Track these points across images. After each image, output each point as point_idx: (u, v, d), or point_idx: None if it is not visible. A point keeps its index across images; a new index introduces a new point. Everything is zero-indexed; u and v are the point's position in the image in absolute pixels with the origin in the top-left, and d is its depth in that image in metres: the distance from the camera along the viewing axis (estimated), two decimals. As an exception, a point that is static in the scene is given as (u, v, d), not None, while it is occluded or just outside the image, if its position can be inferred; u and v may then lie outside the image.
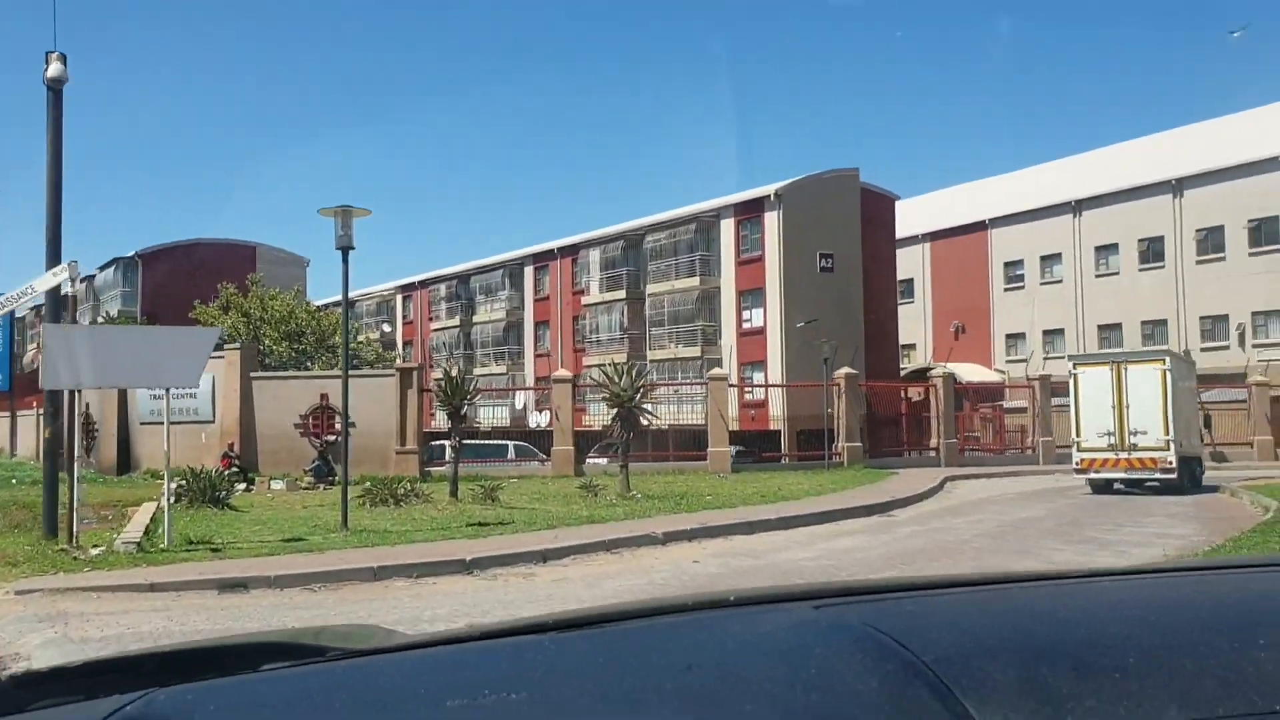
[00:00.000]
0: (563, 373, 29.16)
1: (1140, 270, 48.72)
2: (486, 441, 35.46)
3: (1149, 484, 22.85)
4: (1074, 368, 24.57)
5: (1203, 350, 44.38)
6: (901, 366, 48.79)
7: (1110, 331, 50.17)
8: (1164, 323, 47.43)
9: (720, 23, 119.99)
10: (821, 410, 29.97)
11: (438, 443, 35.55)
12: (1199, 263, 46.02)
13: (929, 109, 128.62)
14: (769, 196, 41.63)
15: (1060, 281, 52.91)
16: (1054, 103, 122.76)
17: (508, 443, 33.98)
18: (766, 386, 38.23)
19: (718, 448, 28.53)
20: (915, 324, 58.65)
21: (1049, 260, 53.77)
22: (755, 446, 36.68)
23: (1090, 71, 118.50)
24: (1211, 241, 45.60)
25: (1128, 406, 22.82)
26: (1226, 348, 44.28)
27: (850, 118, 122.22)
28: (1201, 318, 45.87)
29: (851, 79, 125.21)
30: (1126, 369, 23.30)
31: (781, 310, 41.00)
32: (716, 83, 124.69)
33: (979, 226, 57.52)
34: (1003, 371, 53.57)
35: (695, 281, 44.67)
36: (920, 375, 43.69)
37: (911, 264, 61.02)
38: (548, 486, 22.19)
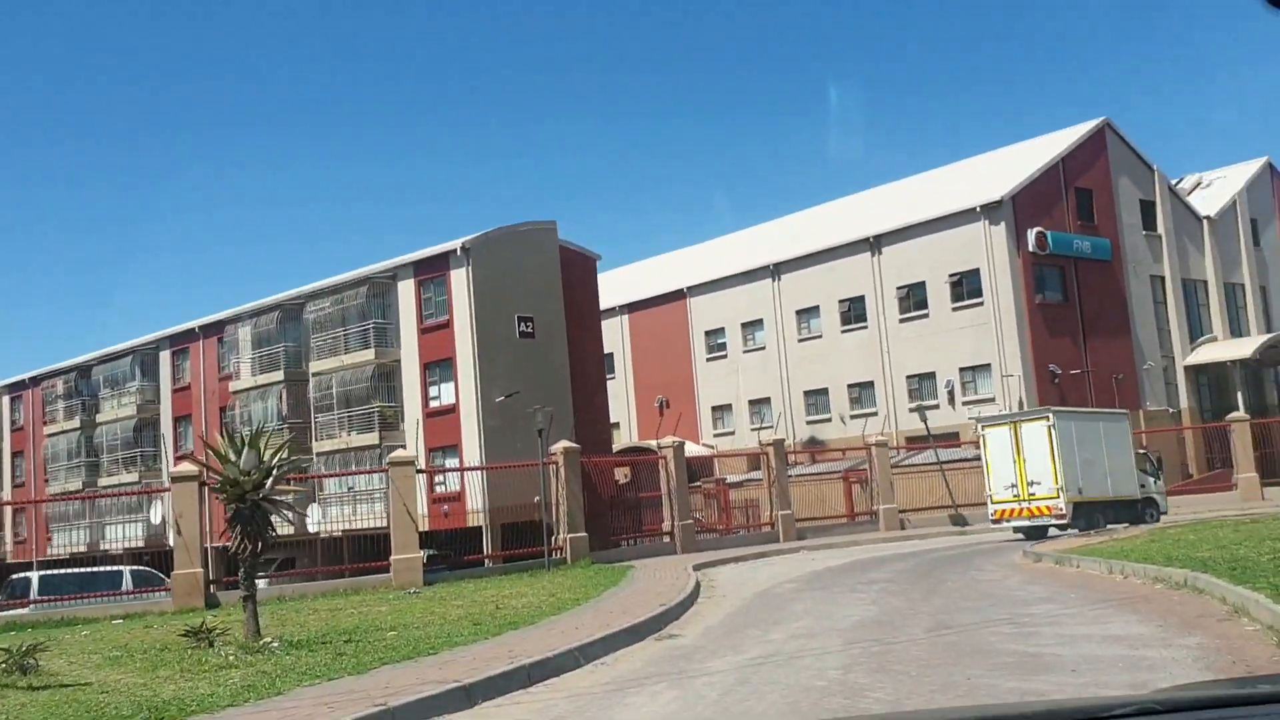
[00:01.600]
0: (185, 467, 21.46)
1: (843, 332, 46.80)
2: (92, 570, 26.95)
3: (1051, 528, 25.27)
4: (981, 429, 27.41)
5: (911, 410, 42.55)
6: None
7: (816, 397, 47.85)
8: (870, 384, 45.53)
9: (407, 74, 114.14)
10: (534, 497, 23.99)
11: (20, 576, 26.64)
12: (902, 321, 44.51)
13: (629, 178, 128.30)
14: (455, 251, 35.68)
15: (763, 348, 50.31)
16: (752, 172, 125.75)
17: (123, 569, 25.68)
18: (463, 470, 31.85)
19: (404, 554, 21.82)
20: (618, 401, 54.24)
21: (750, 327, 51.16)
22: (451, 549, 30.14)
23: (787, 140, 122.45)
24: (914, 298, 44.26)
25: (1025, 460, 25.49)
26: (937, 406, 42.64)
27: (548, 183, 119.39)
28: (909, 376, 44.22)
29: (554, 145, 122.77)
30: (1021, 427, 25.93)
31: (476, 383, 34.92)
32: (382, 135, 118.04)
33: (677, 295, 54.32)
34: (711, 446, 50.05)
35: (369, 355, 37.75)
36: (636, 454, 38.79)
37: (612, 338, 56.86)
38: (150, 632, 14.72)
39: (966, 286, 42.55)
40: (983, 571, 17.07)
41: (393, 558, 21.93)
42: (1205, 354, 47.19)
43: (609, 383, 54.85)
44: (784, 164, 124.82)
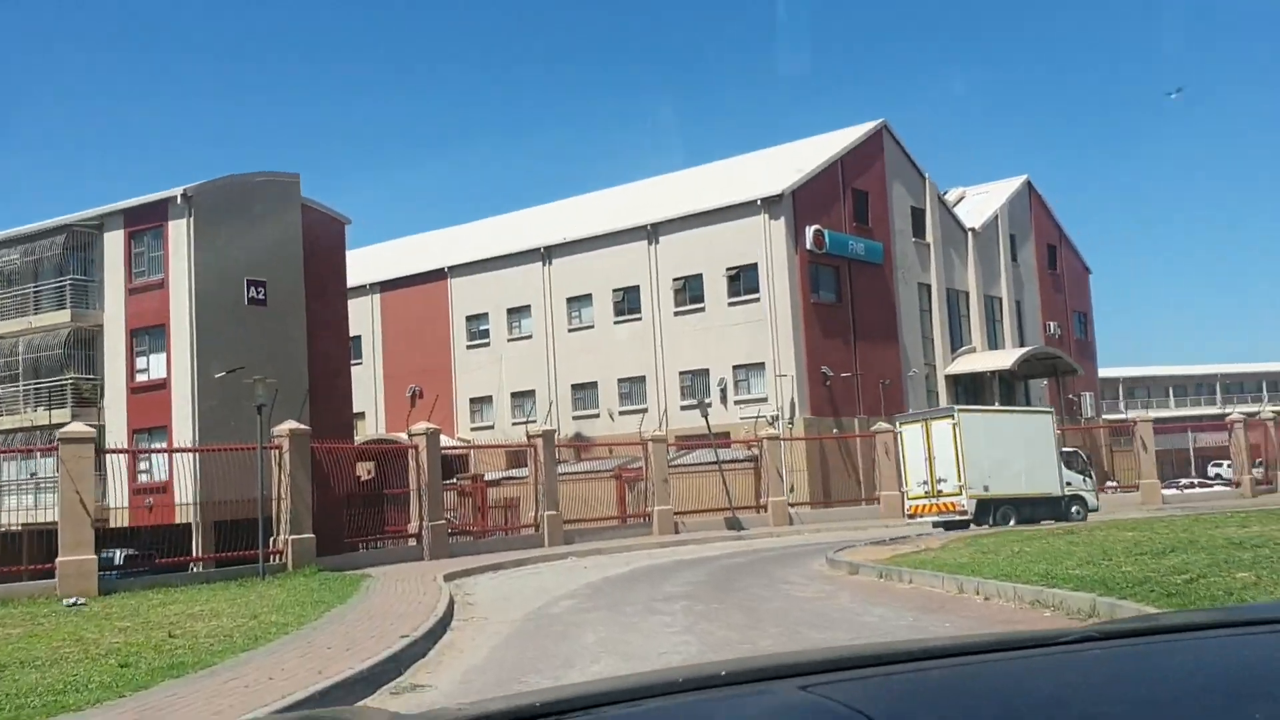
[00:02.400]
0: None
1: (616, 323, 44.18)
2: None
3: (955, 524, 25.08)
4: (898, 425, 28.42)
5: (684, 408, 40.38)
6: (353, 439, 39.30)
7: (585, 391, 44.99)
8: (642, 380, 43.09)
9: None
10: (256, 490, 19.66)
11: None
12: (677, 314, 42.32)
13: (389, 153, 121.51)
14: (174, 199, 30.31)
15: (530, 337, 47.00)
16: (527, 156, 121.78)
17: None
18: (170, 452, 26.72)
19: (75, 555, 17.11)
20: (364, 388, 49.51)
21: (517, 313, 47.75)
22: (155, 549, 25.15)
23: (568, 125, 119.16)
24: (690, 291, 42.14)
25: (934, 458, 26.20)
26: (710, 405, 40.61)
27: (292, 141, 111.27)
28: (682, 372, 42.06)
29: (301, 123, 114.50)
30: (932, 425, 26.68)
31: (193, 355, 29.72)
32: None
33: (438, 275, 50.18)
34: (467, 441, 46.25)
35: (64, 316, 31.69)
36: (383, 446, 34.55)
37: (360, 318, 51.99)
38: None
39: (744, 281, 40.80)
40: (793, 585, 14.40)
41: (59, 559, 17.19)
42: (966, 364, 47.61)
43: (355, 369, 50.21)
44: (565, 152, 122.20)
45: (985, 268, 50.82)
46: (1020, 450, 26.55)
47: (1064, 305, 57.64)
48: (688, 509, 30.13)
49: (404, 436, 28.43)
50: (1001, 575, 11.52)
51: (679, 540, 27.17)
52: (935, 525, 25.66)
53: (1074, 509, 27.38)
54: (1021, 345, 51.15)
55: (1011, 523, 25.54)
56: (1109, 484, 46.98)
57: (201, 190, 30.85)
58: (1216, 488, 39.89)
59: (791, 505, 31.79)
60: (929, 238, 47.46)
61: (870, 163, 44.69)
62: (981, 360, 47.78)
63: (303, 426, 20.94)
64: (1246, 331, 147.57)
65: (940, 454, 25.75)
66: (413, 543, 23.39)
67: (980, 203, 53.72)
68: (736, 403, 40.02)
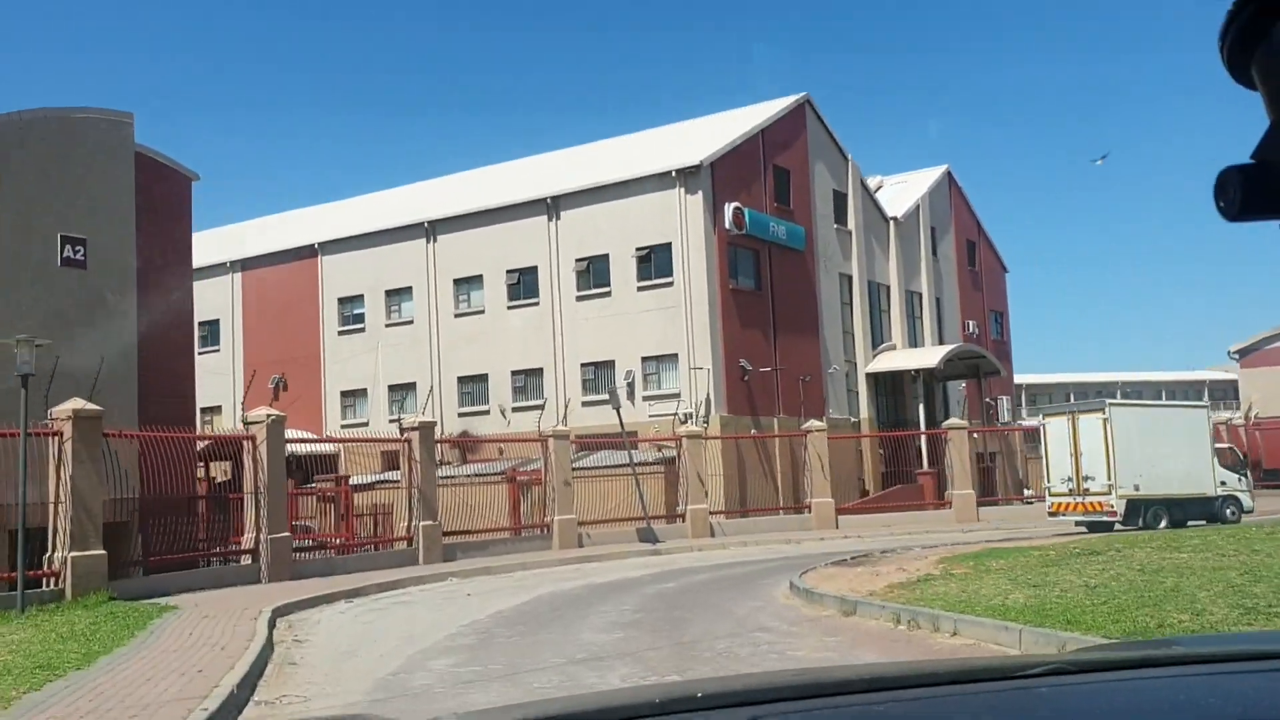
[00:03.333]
0: None
1: (510, 307, 39.38)
2: None
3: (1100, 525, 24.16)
4: (1043, 419, 27.41)
5: (585, 405, 35.85)
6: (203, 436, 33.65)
7: (473, 384, 40.09)
8: (539, 372, 38.39)
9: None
10: (15, 491, 14.42)
11: None
12: (580, 298, 37.75)
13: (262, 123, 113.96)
14: (-35, 132, 24.50)
15: (411, 322, 41.87)
16: (418, 132, 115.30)
17: None
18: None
19: None
20: (222, 380, 43.79)
21: (396, 296, 42.56)
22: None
23: (461, 95, 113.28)
24: (595, 273, 37.62)
25: (1081, 454, 24.93)
26: (620, 398, 36.19)
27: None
28: (584, 365, 37.51)
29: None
30: (1079, 419, 25.60)
31: (-16, 325, 23.97)
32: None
33: (307, 252, 44.64)
34: (338, 439, 40.86)
35: None
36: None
37: (219, 301, 46.21)
38: None
39: (656, 263, 36.46)
40: (773, 634, 10.07)
41: None
42: (888, 361, 44.15)
43: (212, 356, 44.35)
44: (460, 121, 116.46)
45: (906, 260, 47.56)
46: (1173, 447, 25.28)
47: (982, 304, 54.92)
48: (593, 518, 25.64)
49: (266, 413, 23.19)
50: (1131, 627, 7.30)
51: (584, 556, 22.64)
52: (1078, 525, 24.79)
53: (1228, 510, 25.98)
54: (941, 344, 48.06)
55: (1163, 524, 24.28)
56: (1026, 493, 44.21)
57: (7, 123, 25.09)
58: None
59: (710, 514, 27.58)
60: (851, 224, 43.91)
61: (792, 139, 40.87)
62: (906, 358, 44.41)
63: (92, 407, 15.70)
64: (1144, 340, 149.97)
65: (1088, 449, 24.66)
66: (248, 560, 18.35)
67: (898, 192, 50.47)
68: (646, 399, 35.63)
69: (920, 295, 48.66)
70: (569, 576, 18.53)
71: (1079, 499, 24.86)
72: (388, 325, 42.52)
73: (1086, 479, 24.73)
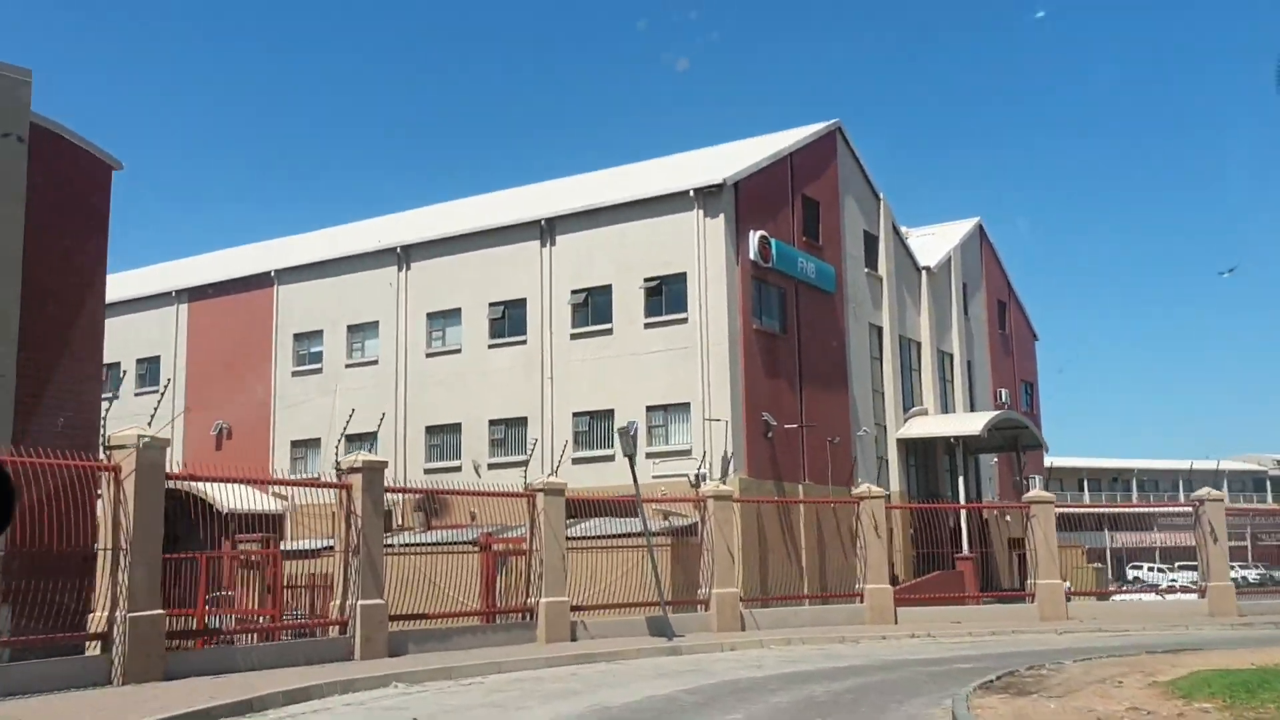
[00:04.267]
0: None
1: (492, 346, 33.75)
2: None
3: None
4: None
5: (576, 462, 30.03)
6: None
7: (444, 435, 34.26)
8: (523, 422, 32.62)
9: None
10: None
11: None
12: (576, 336, 32.19)
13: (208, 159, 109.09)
14: None
15: (375, 362, 36.15)
16: (407, 161, 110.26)
17: None
18: None
19: None
20: (159, 425, 37.57)
21: (360, 331, 36.88)
22: None
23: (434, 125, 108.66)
24: (594, 306, 32.12)
25: None
26: (612, 458, 30.49)
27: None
28: (577, 414, 31.80)
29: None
30: None
31: None
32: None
33: (262, 281, 38.99)
34: (284, 496, 34.84)
35: None
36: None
37: (160, 336, 40.46)
38: None
39: (667, 296, 30.99)
40: None
41: None
42: (921, 427, 38.62)
43: (148, 397, 38.38)
44: (455, 156, 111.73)
45: (939, 316, 42.37)
46: None
47: (1013, 371, 49.71)
48: (590, 603, 19.72)
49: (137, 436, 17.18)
50: None
51: (580, 654, 16.73)
52: None
53: None
54: (972, 410, 42.74)
55: None
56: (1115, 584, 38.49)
57: None
58: (1179, 595, 29.93)
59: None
60: (882, 270, 38.73)
61: (822, 168, 35.78)
62: (943, 424, 38.94)
63: None
64: (1159, 429, 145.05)
65: None
66: (96, 651, 12.41)
67: (925, 244, 45.37)
68: (650, 456, 29.88)
69: (952, 356, 43.42)
70: (565, 691, 12.65)
71: None
72: (349, 365, 36.77)
73: None
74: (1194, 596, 24.53)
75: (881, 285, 38.57)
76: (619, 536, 22.12)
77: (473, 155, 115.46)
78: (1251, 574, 61.35)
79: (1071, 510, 47.36)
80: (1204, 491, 24.15)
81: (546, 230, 33.04)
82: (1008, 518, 46.46)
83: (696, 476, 28.14)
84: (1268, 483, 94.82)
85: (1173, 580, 43.05)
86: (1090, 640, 19.52)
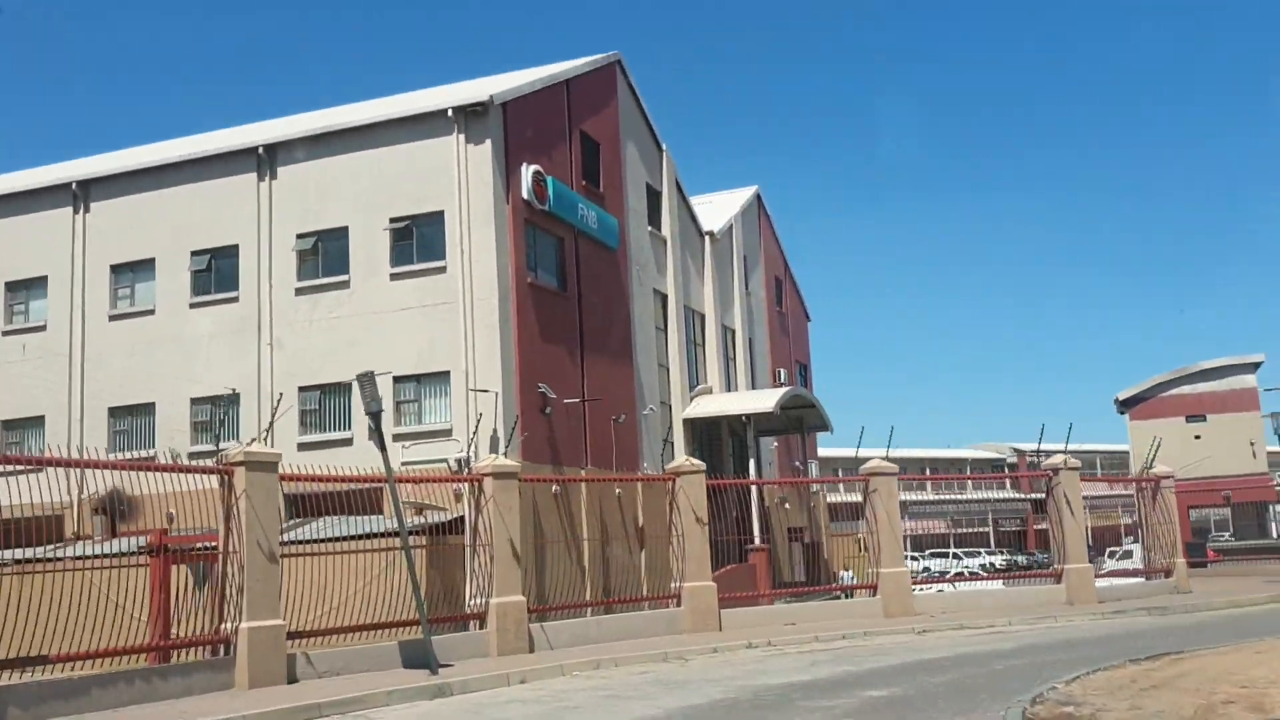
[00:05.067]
0: None
1: (195, 305, 26.86)
2: None
3: None
4: None
5: (303, 447, 23.80)
6: None
7: (132, 417, 27.07)
8: (235, 399, 25.94)
9: None
10: None
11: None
12: (303, 291, 25.88)
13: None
14: None
15: (43, 328, 28.37)
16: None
17: None
18: None
19: None
20: None
21: (24, 290, 29.00)
22: None
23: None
24: (327, 254, 25.92)
25: None
26: (349, 442, 24.45)
27: None
28: (305, 388, 25.49)
29: None
30: None
31: None
32: None
33: (-114, 226, 30.10)
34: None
35: None
36: None
37: None
38: None
39: (420, 240, 25.21)
40: None
41: None
42: (710, 405, 34.54)
43: None
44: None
45: (722, 288, 38.58)
46: None
47: (789, 352, 46.86)
48: (315, 627, 13.84)
49: None
50: None
51: (299, 705, 10.95)
52: None
53: None
54: (754, 391, 39.25)
55: None
56: (843, 576, 35.73)
57: None
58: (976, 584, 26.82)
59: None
60: (666, 230, 34.39)
61: (602, 104, 30.98)
62: (734, 402, 35.00)
63: None
64: (909, 418, 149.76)
65: None
66: None
67: (705, 215, 41.63)
68: (400, 438, 24.02)
69: (734, 332, 39.75)
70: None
71: None
72: (7, 332, 28.74)
73: None
74: (1050, 583, 21.17)
75: (666, 248, 34.21)
76: (360, 538, 16.32)
77: (190, 96, 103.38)
78: (999, 559, 61.83)
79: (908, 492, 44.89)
80: (1058, 459, 20.91)
81: (265, 160, 26.50)
82: (786, 505, 43.45)
83: (459, 461, 22.60)
84: (1005, 469, 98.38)
85: (964, 568, 41.34)
86: (975, 643, 15.50)
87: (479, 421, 22.99)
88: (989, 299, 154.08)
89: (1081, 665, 11.35)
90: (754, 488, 32.29)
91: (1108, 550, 44.31)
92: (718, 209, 41.65)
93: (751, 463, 34.47)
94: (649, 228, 33.10)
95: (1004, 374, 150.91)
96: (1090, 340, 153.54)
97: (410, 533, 17.10)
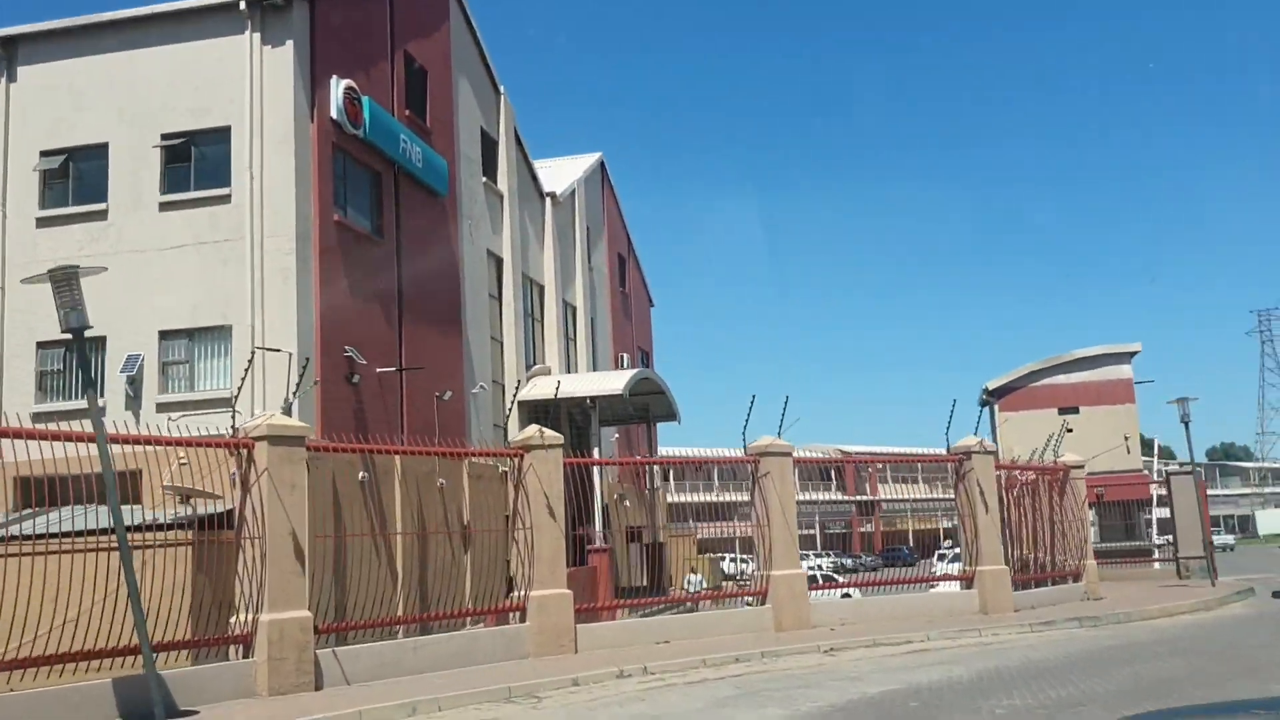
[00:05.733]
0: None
1: (-100, 237, 20.98)
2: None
3: None
4: None
5: (40, 417, 18.45)
6: None
7: None
8: (-50, 359, 20.25)
9: None
10: None
11: None
12: (46, 223, 20.48)
13: None
14: None
15: None
16: None
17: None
18: None
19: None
20: None
21: None
22: None
23: None
24: (80, 178, 20.59)
25: None
26: (102, 410, 19.17)
27: None
28: (43, 344, 20.10)
29: None
30: None
31: None
32: None
33: None
34: None
35: None
36: None
37: None
38: None
39: (200, 161, 20.18)
40: None
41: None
42: (551, 387, 30.41)
43: None
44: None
45: (563, 259, 34.59)
46: None
47: (631, 337, 43.26)
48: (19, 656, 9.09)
49: None
50: None
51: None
52: None
53: None
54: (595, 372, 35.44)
55: None
56: (690, 579, 32.49)
57: None
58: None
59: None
60: (503, 185, 30.13)
61: (432, 27, 26.48)
62: (579, 383, 30.95)
63: None
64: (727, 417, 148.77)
65: None
66: None
67: (546, 178, 37.59)
68: (165, 408, 18.96)
69: (575, 310, 35.82)
70: None
71: None
72: None
73: None
74: (955, 586, 17.98)
75: (502, 205, 29.94)
76: (89, 534, 11.52)
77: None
78: (825, 562, 60.07)
79: (735, 493, 41.87)
80: (970, 440, 17.76)
81: (2, 57, 20.90)
82: (627, 502, 39.82)
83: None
84: (832, 472, 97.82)
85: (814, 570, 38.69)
86: (912, 668, 11.96)
87: (265, 390, 18.22)
88: (840, 295, 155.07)
89: (1122, 705, 7.88)
90: (596, 477, 28.31)
91: (937, 552, 42.61)
92: (558, 174, 37.58)
93: (596, 454, 30.52)
94: (484, 178, 28.76)
95: (863, 370, 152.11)
96: (956, 332, 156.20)
97: (171, 526, 12.43)
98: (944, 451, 19.10)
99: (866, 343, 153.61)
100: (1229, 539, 79.59)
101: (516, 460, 13.91)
